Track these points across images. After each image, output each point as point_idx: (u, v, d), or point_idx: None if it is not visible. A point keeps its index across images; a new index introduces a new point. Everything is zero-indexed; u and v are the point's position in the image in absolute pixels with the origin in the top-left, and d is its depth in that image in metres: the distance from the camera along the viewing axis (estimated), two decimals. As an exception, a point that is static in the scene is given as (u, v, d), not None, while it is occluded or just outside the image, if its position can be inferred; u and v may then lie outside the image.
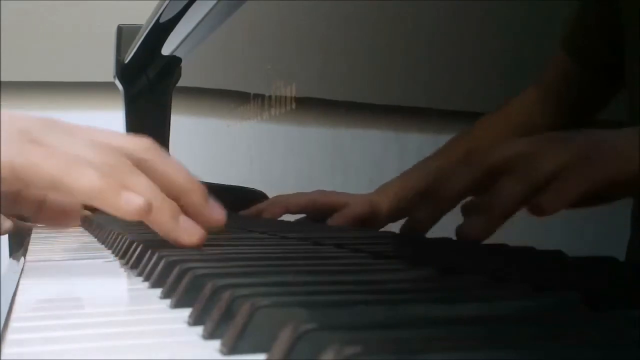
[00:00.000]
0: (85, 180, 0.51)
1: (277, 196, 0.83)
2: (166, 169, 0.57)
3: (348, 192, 0.72)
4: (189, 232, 0.57)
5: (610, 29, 0.41)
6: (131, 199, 0.53)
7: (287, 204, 0.80)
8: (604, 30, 0.42)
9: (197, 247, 0.57)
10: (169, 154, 0.59)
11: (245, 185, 0.96)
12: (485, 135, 0.52)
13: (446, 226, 0.52)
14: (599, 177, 0.43)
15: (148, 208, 0.54)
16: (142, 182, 0.54)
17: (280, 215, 0.81)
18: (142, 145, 0.58)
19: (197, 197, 0.57)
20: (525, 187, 0.45)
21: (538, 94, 0.47)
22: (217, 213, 0.58)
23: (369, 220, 0.66)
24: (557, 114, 0.46)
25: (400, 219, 0.58)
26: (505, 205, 0.46)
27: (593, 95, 0.43)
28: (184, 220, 0.57)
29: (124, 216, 0.53)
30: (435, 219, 0.52)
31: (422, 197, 0.55)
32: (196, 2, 1.16)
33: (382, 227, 0.64)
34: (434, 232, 0.54)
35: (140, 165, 0.55)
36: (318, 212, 0.75)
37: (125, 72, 1.66)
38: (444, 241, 0.51)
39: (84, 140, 0.54)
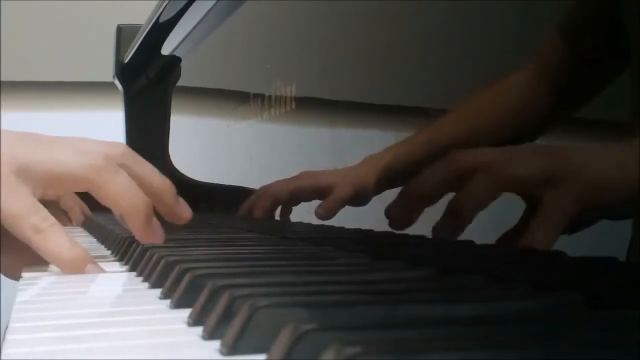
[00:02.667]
0: (57, 246, 0.59)
1: (261, 187, 0.82)
2: (142, 172, 0.64)
3: (335, 170, 0.73)
4: (154, 234, 0.65)
5: (611, 23, 0.41)
6: (155, 233, 0.65)
7: (274, 194, 0.80)
8: (603, 23, 0.42)
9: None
10: (143, 159, 0.65)
11: (245, 185, 0.96)
12: (476, 113, 0.53)
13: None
14: (579, 200, 0.44)
15: (160, 241, 0.65)
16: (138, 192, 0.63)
17: (272, 208, 0.80)
18: (120, 151, 0.64)
19: (169, 197, 0.66)
20: (490, 193, 0.48)
21: (532, 73, 0.47)
22: (184, 210, 0.67)
23: (358, 197, 0.67)
24: (549, 94, 0.46)
25: (388, 189, 0.59)
26: (470, 208, 0.49)
27: (584, 84, 0.43)
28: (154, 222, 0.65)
29: (138, 237, 0.65)
30: (409, 217, 0.55)
31: (398, 195, 0.57)
32: (196, 2, 1.16)
33: (370, 198, 0.65)
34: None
35: (121, 169, 0.63)
36: (306, 197, 0.76)
37: (125, 72, 1.66)
38: (444, 241, 0.51)
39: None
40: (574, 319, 0.32)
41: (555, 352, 0.25)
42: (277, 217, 0.84)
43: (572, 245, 0.42)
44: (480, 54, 0.53)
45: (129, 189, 0.62)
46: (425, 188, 0.54)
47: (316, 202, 0.73)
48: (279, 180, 0.81)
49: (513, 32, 0.50)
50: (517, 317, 0.32)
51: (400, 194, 0.57)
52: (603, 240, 0.41)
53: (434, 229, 0.52)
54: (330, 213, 0.73)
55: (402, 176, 0.57)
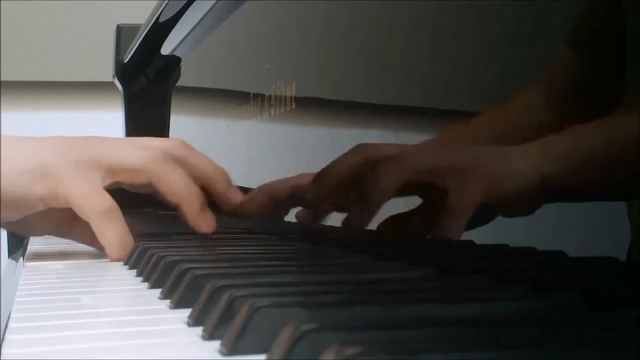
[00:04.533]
0: (111, 235, 0.67)
1: (261, 185, 0.83)
2: (197, 162, 0.71)
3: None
4: (207, 223, 0.71)
5: (617, 27, 0.41)
6: (209, 221, 0.71)
7: (272, 191, 0.81)
8: (611, 28, 0.42)
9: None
10: (197, 150, 0.73)
11: (245, 185, 0.96)
12: (483, 129, 0.53)
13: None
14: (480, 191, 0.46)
15: (211, 229, 0.72)
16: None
17: (268, 205, 0.80)
18: (176, 143, 0.72)
19: (222, 184, 0.73)
20: (392, 183, 0.53)
21: (541, 90, 0.47)
22: (235, 196, 0.73)
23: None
24: (560, 110, 0.46)
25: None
26: (374, 199, 0.54)
27: (600, 92, 0.43)
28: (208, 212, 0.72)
29: (193, 224, 0.71)
30: (318, 203, 0.63)
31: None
32: (196, 1, 1.16)
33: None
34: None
35: (178, 162, 0.70)
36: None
37: (124, 71, 1.65)
38: (444, 241, 0.51)
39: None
40: (574, 319, 0.32)
41: (555, 352, 0.25)
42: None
43: (572, 245, 0.42)
44: (481, 54, 0.53)
45: (185, 181, 0.70)
46: (330, 175, 0.60)
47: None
48: (277, 180, 0.82)
49: (514, 32, 0.50)
50: (517, 317, 0.32)
51: (312, 180, 0.63)
52: (603, 240, 0.41)
53: (343, 222, 0.56)
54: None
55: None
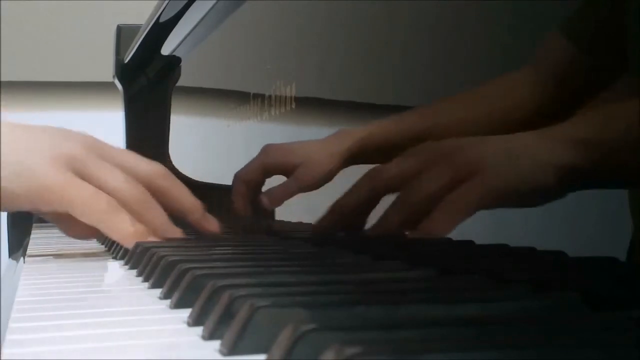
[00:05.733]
0: (122, 227, 0.67)
1: (234, 175, 0.83)
2: (175, 193, 0.73)
3: (302, 145, 0.76)
4: (212, 225, 0.74)
5: (616, 20, 0.41)
6: (212, 221, 0.74)
7: (243, 179, 0.81)
8: (609, 20, 0.42)
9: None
10: (176, 179, 0.74)
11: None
12: (466, 104, 0.53)
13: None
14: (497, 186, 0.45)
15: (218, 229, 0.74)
16: (158, 213, 0.71)
17: (249, 192, 0.80)
18: (159, 172, 0.73)
19: (197, 215, 0.74)
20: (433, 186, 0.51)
21: (530, 74, 0.47)
22: (212, 226, 0.74)
23: (321, 182, 0.71)
24: (548, 96, 0.46)
25: (357, 163, 0.63)
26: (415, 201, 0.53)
27: (592, 81, 0.43)
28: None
29: (200, 228, 0.74)
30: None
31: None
32: (196, 2, 1.16)
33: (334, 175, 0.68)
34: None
35: (158, 191, 0.71)
36: (274, 173, 0.79)
37: (125, 72, 1.65)
38: (444, 241, 0.51)
39: (117, 170, 0.70)
40: (574, 319, 0.32)
41: (555, 352, 0.25)
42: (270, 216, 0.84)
43: (572, 245, 0.42)
44: (481, 54, 0.53)
45: (187, 191, 0.74)
46: (352, 202, 0.61)
47: (317, 202, 0.73)
48: (244, 166, 0.82)
49: (514, 32, 0.50)
50: (517, 317, 0.32)
51: (329, 210, 0.63)
52: (603, 240, 0.41)
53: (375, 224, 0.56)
54: (276, 204, 0.80)
55: (375, 154, 0.58)
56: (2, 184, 0.66)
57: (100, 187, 0.68)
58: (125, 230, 0.67)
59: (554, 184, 0.42)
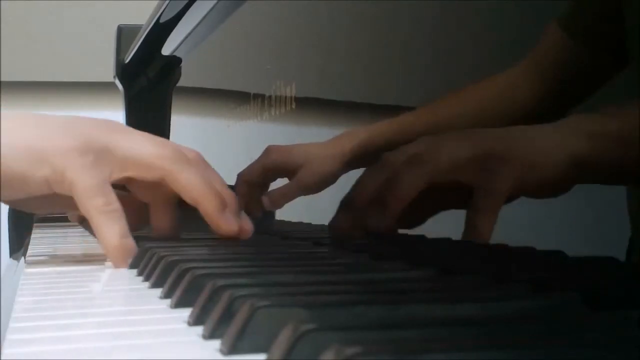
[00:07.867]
0: (109, 235, 0.62)
1: (237, 175, 0.83)
2: (182, 179, 0.66)
3: (306, 147, 0.75)
4: (230, 226, 0.67)
5: (614, 12, 0.41)
6: (230, 221, 0.67)
7: (245, 179, 0.80)
8: (607, 12, 0.42)
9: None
10: (189, 162, 0.68)
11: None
12: (466, 103, 0.53)
13: (446, 227, 0.52)
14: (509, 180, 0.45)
15: (236, 233, 0.67)
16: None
17: (250, 193, 0.80)
18: (195, 154, 0.69)
19: (216, 209, 0.67)
20: (414, 183, 0.50)
21: (529, 68, 0.47)
22: (229, 224, 0.67)
23: (323, 184, 0.70)
24: (544, 91, 0.46)
25: (360, 167, 0.60)
26: (396, 199, 0.51)
27: (591, 74, 0.43)
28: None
29: (212, 225, 0.67)
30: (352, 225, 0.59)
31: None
32: (196, 2, 1.16)
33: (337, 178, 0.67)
34: (434, 232, 0.54)
35: (166, 176, 0.66)
36: (277, 175, 0.78)
37: (125, 72, 1.65)
38: (444, 241, 0.51)
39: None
40: (574, 319, 0.32)
41: (555, 352, 0.25)
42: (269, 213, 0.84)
43: (572, 245, 0.42)
44: (481, 54, 0.53)
45: (200, 179, 0.66)
46: (363, 195, 0.56)
47: (317, 201, 0.73)
48: (247, 166, 0.81)
49: (514, 32, 0.50)
50: (517, 317, 0.32)
51: (341, 204, 0.59)
52: (603, 240, 0.41)
53: (368, 222, 0.54)
54: (277, 205, 0.78)
55: (378, 157, 0.58)
56: (15, 170, 0.62)
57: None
58: (110, 240, 0.62)
59: (570, 175, 0.42)
